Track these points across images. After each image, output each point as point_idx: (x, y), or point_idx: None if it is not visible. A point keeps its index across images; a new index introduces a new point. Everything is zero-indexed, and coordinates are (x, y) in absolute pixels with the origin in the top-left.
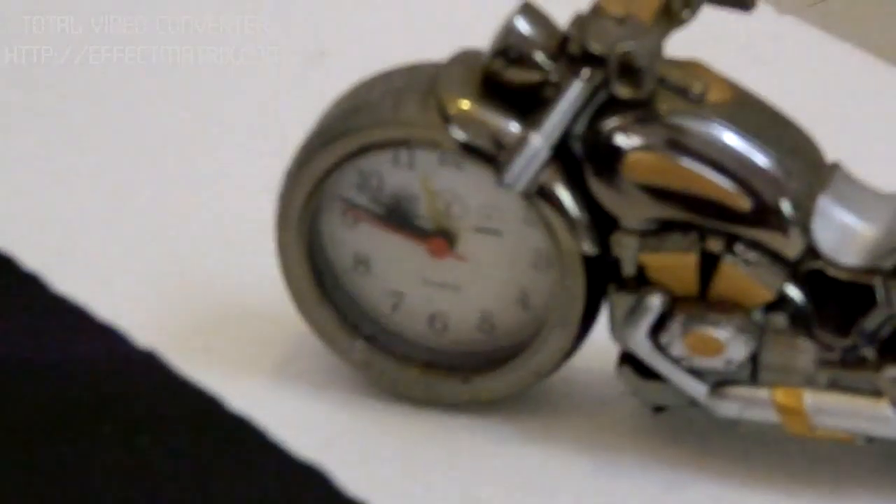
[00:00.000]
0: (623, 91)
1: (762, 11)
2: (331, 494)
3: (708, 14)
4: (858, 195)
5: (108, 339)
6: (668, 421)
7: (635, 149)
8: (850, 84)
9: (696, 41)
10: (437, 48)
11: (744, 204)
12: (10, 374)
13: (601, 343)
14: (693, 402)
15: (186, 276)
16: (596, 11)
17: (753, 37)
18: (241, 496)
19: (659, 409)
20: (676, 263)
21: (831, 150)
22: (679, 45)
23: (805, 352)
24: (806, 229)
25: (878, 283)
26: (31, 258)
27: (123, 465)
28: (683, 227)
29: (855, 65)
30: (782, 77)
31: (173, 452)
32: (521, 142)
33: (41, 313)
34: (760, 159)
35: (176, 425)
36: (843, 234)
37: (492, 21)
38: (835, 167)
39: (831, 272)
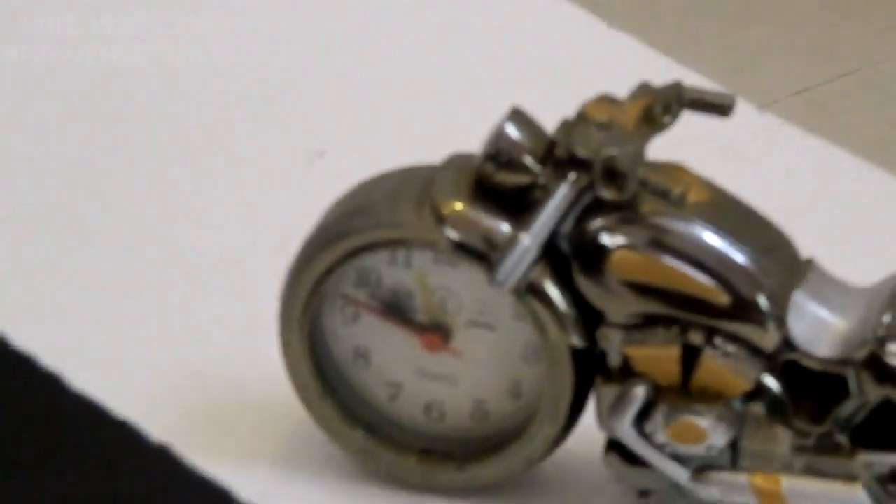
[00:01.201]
0: (607, 193)
1: (743, 108)
2: None
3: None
4: (832, 290)
5: (123, 435)
6: None
7: (620, 247)
8: (827, 180)
9: (679, 138)
10: (431, 150)
11: (723, 299)
12: (29, 471)
13: (589, 430)
14: (677, 487)
15: (194, 371)
16: (581, 117)
17: (734, 133)
18: None
19: (644, 494)
20: (659, 356)
21: (807, 246)
22: (662, 142)
23: (782, 439)
24: (782, 323)
25: (850, 373)
26: (48, 355)
27: None
28: (666, 321)
29: (832, 161)
30: (761, 173)
31: None
32: (512, 241)
33: (60, 411)
34: (738, 257)
35: None
36: (817, 327)
37: (483, 125)
38: (809, 263)
39: (806, 363)
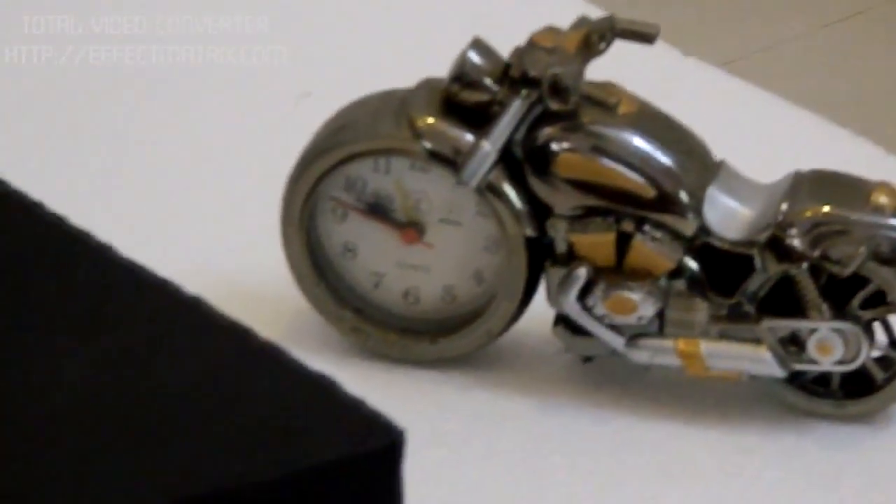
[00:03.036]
0: (553, 105)
1: (670, 53)
2: (339, 396)
3: (624, 56)
4: (740, 185)
5: (164, 291)
6: (595, 369)
7: (564, 151)
8: (736, 110)
9: (614, 77)
10: (404, 80)
11: (650, 193)
12: (88, 330)
13: (540, 312)
14: (614, 352)
15: (215, 267)
16: (531, 44)
17: (661, 74)
18: (277, 392)
19: (588, 360)
20: (598, 241)
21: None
22: (600, 78)
23: (700, 309)
24: (698, 212)
25: (755, 253)
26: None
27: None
28: (603, 213)
29: (740, 95)
30: (682, 107)
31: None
32: (475, 148)
33: (112, 276)
34: (662, 158)
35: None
36: (727, 215)
37: (449, 54)
38: (721, 164)
39: (719, 245)
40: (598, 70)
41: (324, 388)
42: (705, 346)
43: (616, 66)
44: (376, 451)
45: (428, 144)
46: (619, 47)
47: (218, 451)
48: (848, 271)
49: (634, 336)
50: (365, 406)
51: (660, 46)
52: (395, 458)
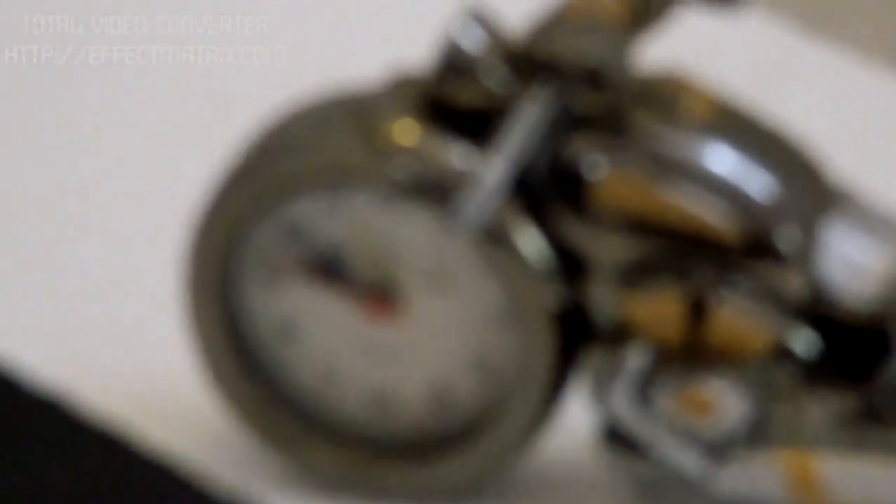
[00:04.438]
0: (589, 104)
1: (773, 27)
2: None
3: (699, 29)
4: (871, 223)
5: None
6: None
7: (606, 174)
8: (874, 111)
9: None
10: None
11: (734, 236)
12: None
13: (575, 419)
14: (686, 477)
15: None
16: (553, 16)
17: (757, 58)
18: None
19: (647, 489)
20: (660, 310)
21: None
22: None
23: (814, 409)
24: (808, 264)
25: (894, 326)
26: None
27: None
28: (667, 267)
29: (878, 89)
30: (792, 107)
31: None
32: (474, 175)
33: None
34: (753, 183)
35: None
36: (852, 270)
37: (429, 34)
38: (842, 191)
39: (840, 315)
40: (657, 50)
41: None
42: (825, 464)
43: (687, 43)
44: None
45: (405, 171)
46: (691, 16)
47: None
48: None
49: (718, 450)
50: None
51: (756, 16)
52: None
